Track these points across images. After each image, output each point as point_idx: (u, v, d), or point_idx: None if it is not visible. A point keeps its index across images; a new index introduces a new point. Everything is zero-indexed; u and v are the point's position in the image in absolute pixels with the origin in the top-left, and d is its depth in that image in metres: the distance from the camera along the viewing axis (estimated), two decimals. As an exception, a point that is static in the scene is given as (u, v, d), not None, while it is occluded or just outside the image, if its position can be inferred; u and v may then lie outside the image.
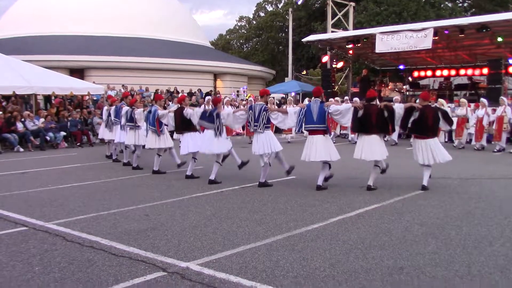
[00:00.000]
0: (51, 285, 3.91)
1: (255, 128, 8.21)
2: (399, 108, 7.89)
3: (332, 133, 16.50)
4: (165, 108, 10.07)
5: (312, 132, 7.97)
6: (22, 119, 15.72)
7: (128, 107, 10.82)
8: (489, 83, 18.17)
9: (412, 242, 4.97)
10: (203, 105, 15.41)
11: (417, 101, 8.69)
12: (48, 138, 15.80)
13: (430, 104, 8.17)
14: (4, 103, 17.25)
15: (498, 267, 4.25)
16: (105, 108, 12.95)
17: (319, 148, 7.78)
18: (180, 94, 24.04)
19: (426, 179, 7.88)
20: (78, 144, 16.55)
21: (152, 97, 22.16)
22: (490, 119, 13.90)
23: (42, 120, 16.20)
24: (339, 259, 4.45)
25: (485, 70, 19.31)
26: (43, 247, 4.92)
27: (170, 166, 10.24)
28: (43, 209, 6.65)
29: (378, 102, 8.46)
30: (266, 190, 7.89)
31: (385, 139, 14.45)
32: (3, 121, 15.16)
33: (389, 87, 21.52)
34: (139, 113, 10.31)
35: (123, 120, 10.95)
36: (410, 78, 23.02)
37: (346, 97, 19.03)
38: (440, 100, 15.87)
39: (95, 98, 20.63)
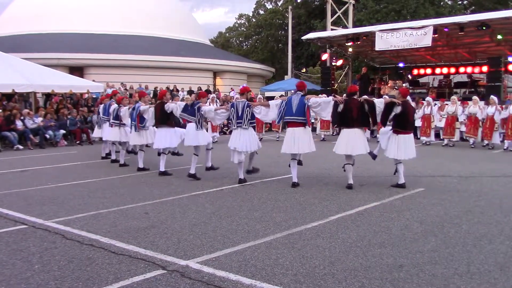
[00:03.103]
0: (51, 283, 3.91)
1: (239, 125, 8.30)
2: (379, 103, 7.90)
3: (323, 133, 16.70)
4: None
5: (291, 124, 8.06)
6: (22, 117, 15.70)
7: (116, 105, 11.05)
8: (489, 81, 18.17)
9: (411, 240, 4.98)
10: (208, 102, 15.65)
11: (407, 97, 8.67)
12: (47, 136, 15.80)
13: (408, 100, 8.20)
14: (5, 102, 17.21)
15: (498, 265, 4.26)
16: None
17: (301, 142, 7.91)
18: (180, 92, 24.12)
19: (402, 177, 7.90)
20: (77, 142, 16.53)
21: (151, 95, 22.16)
22: (501, 116, 13.78)
23: (41, 118, 16.19)
24: (339, 257, 4.45)
25: (485, 68, 19.30)
26: (42, 245, 4.92)
27: (169, 164, 10.22)
28: (42, 207, 6.65)
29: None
30: (266, 188, 7.90)
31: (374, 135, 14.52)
32: (3, 119, 15.15)
33: (389, 85, 21.48)
34: (124, 110, 10.56)
35: (111, 118, 11.17)
36: (409, 76, 23.01)
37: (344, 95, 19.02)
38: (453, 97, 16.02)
39: (94, 96, 20.61)
